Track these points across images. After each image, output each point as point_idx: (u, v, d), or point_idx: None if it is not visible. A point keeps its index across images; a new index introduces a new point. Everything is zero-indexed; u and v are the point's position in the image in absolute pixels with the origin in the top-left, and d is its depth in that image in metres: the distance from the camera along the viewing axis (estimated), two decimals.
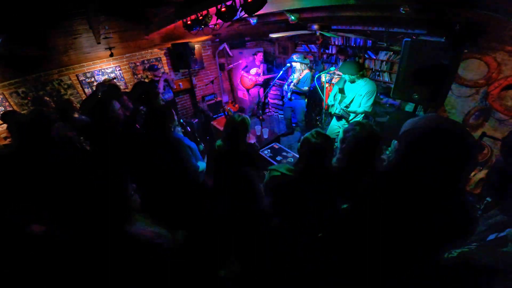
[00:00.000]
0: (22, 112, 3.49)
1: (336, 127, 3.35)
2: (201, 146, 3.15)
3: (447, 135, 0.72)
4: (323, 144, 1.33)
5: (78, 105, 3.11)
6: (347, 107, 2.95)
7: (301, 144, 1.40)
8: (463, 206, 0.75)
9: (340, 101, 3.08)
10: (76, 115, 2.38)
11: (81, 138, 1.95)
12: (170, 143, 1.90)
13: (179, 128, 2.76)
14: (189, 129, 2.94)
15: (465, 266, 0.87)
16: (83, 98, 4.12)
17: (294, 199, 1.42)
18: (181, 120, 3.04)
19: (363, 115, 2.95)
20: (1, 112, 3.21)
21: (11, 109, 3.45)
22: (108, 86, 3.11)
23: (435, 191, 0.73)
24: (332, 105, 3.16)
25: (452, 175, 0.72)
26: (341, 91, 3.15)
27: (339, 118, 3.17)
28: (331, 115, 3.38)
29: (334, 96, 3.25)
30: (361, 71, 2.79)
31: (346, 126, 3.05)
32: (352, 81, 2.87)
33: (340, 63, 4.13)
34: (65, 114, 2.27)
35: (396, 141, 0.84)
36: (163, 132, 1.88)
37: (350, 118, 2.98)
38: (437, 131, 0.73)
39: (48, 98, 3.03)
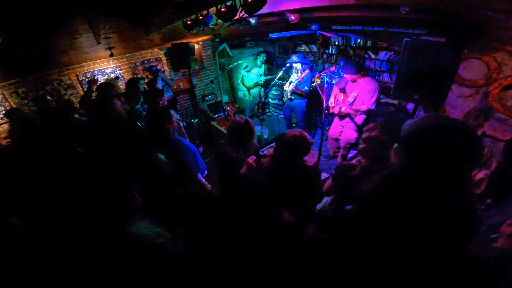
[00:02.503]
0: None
1: (339, 127, 3.35)
2: (200, 149, 3.15)
3: (449, 133, 0.71)
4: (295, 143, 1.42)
5: (78, 105, 3.09)
6: (351, 105, 2.97)
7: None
8: (468, 207, 0.75)
9: (343, 101, 3.09)
10: (76, 116, 2.36)
11: (75, 144, 1.91)
12: (169, 144, 1.90)
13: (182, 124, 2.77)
14: (184, 124, 2.93)
15: (465, 265, 0.86)
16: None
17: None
18: (178, 116, 3.04)
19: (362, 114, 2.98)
20: (3, 111, 3.21)
21: (11, 108, 3.44)
22: (102, 84, 3.09)
23: (440, 191, 0.72)
24: (333, 106, 3.17)
25: (457, 174, 0.71)
26: (342, 91, 3.16)
27: (342, 117, 3.18)
28: (332, 115, 3.38)
29: (335, 96, 3.25)
30: (362, 71, 2.85)
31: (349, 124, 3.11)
32: (354, 81, 2.91)
33: (341, 63, 4.14)
34: (65, 115, 2.25)
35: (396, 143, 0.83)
36: (161, 133, 1.88)
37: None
38: (439, 130, 0.73)
39: (49, 98, 3.03)
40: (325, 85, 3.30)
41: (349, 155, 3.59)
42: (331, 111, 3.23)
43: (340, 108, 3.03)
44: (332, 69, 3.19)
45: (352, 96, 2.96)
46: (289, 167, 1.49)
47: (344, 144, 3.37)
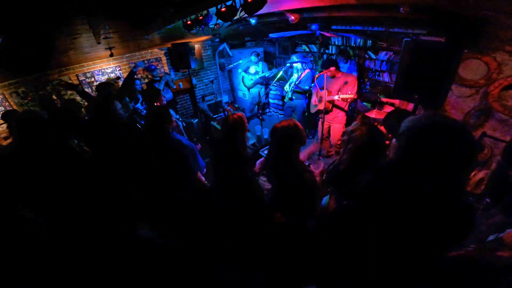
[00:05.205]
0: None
1: (326, 123, 3.39)
2: (199, 146, 3.16)
3: (447, 132, 0.71)
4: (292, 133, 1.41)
5: (84, 103, 3.09)
6: (340, 95, 3.03)
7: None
8: (462, 206, 0.75)
9: (328, 96, 3.11)
10: (81, 115, 2.38)
11: (81, 143, 1.92)
12: (169, 143, 1.90)
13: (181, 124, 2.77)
14: (184, 124, 2.94)
15: (465, 267, 0.87)
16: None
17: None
18: (177, 116, 3.05)
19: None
20: (1, 112, 3.22)
21: (10, 109, 3.45)
22: (102, 83, 3.10)
23: (434, 191, 0.73)
24: (318, 103, 3.27)
25: (452, 173, 0.71)
26: (322, 88, 3.18)
27: (328, 112, 3.26)
28: (317, 114, 3.46)
29: (317, 94, 3.33)
30: (339, 66, 3.15)
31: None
32: (333, 76, 3.09)
33: (341, 63, 4.14)
34: (68, 114, 2.26)
35: (395, 139, 0.84)
36: (161, 132, 1.88)
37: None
38: (436, 129, 0.73)
39: (55, 97, 3.03)
40: (325, 85, 3.30)
41: None
42: (315, 110, 3.30)
43: (333, 97, 3.06)
44: (332, 69, 3.19)
45: (337, 89, 3.06)
46: (285, 162, 1.47)
47: (335, 142, 3.40)
